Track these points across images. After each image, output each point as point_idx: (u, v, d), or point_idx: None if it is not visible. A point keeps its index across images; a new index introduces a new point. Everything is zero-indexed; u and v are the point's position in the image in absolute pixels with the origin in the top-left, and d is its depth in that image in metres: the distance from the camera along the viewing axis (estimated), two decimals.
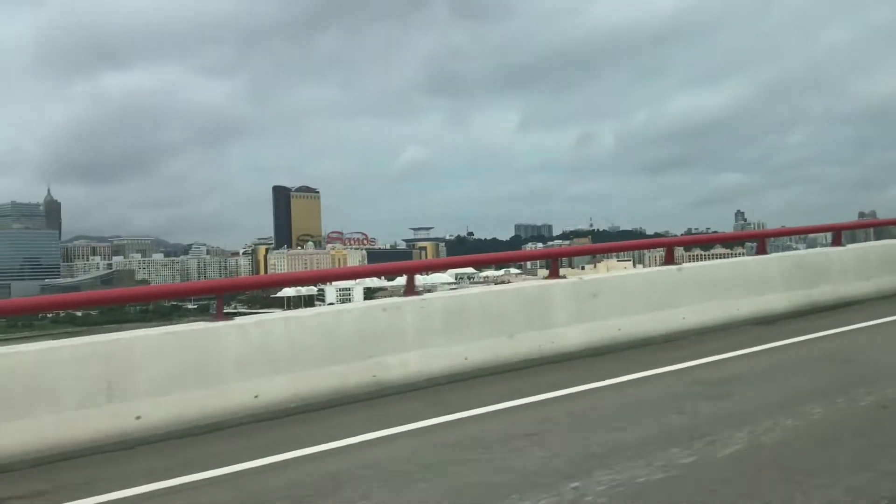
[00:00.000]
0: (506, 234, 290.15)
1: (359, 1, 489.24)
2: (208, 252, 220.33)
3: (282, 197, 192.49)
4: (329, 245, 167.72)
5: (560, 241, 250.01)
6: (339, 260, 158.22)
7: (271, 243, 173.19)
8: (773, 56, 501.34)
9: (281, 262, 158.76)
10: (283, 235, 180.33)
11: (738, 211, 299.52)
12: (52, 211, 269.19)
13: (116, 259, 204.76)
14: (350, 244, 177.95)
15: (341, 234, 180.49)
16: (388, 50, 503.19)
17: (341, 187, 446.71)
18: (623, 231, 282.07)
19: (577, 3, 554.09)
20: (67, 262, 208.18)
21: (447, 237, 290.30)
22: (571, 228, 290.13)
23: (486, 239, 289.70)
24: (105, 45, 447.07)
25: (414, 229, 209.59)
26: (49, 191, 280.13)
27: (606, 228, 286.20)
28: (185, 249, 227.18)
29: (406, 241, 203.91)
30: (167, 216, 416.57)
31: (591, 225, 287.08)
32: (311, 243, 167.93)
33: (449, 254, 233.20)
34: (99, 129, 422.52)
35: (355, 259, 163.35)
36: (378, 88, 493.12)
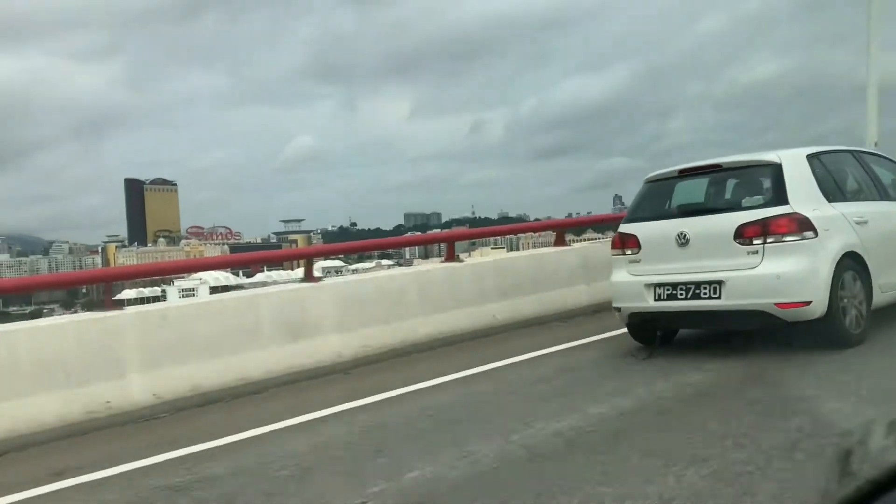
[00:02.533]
0: (393, 224, 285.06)
1: None
2: (70, 250, 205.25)
3: (135, 190, 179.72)
4: (184, 241, 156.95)
5: (440, 230, 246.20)
6: (194, 256, 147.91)
7: (122, 240, 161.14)
8: (654, 44, 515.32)
9: (131, 261, 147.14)
10: (137, 231, 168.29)
11: (616, 195, 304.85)
12: None
13: None
14: (212, 238, 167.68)
15: (202, 228, 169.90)
16: (272, 35, 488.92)
17: (225, 179, 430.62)
18: (506, 217, 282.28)
19: None
20: None
21: (329, 228, 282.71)
22: (457, 216, 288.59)
23: (369, 229, 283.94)
24: None
25: (284, 221, 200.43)
26: None
27: (494, 216, 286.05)
28: (45, 248, 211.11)
29: (276, 234, 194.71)
30: (39, 213, 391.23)
31: (473, 213, 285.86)
32: (162, 239, 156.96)
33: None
34: None
35: (213, 254, 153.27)
36: (264, 76, 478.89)
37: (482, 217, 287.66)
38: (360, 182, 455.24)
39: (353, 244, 14.24)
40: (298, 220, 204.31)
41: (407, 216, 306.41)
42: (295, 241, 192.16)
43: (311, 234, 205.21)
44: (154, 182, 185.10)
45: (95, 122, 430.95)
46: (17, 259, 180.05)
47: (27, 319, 7.22)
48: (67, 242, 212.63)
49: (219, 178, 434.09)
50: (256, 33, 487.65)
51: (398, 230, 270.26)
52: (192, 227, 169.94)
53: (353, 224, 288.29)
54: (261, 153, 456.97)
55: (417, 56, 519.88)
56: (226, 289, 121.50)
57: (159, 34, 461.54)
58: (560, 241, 11.11)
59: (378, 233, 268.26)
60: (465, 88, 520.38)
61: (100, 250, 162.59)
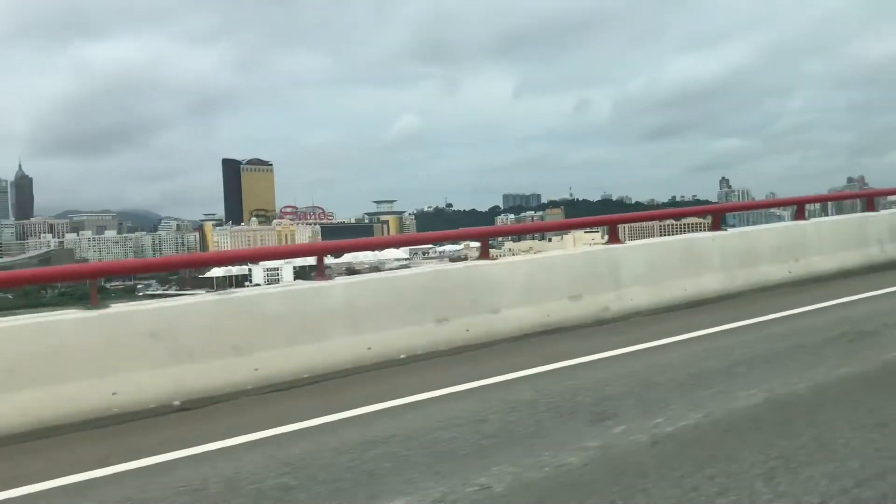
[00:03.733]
0: (489, 205, 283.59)
1: None
2: (178, 227, 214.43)
3: (231, 171, 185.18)
4: (276, 221, 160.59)
5: (534, 212, 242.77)
6: (286, 236, 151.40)
7: (219, 219, 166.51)
8: (773, 19, 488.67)
9: (224, 240, 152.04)
10: (234, 210, 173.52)
11: (723, 178, 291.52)
12: (23, 187, 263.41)
13: (69, 237, 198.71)
14: (305, 219, 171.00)
15: (295, 208, 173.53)
16: (377, 16, 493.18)
17: (328, 159, 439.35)
18: (606, 200, 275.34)
19: None
20: (21, 240, 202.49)
21: (425, 208, 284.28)
22: (556, 198, 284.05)
23: (465, 210, 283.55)
24: (84, 14, 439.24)
25: (376, 202, 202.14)
26: (20, 166, 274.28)
27: (597, 198, 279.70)
28: (154, 225, 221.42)
29: (368, 214, 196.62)
30: (157, 190, 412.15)
31: (571, 195, 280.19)
32: (255, 219, 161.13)
33: (420, 227, 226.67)
34: (86, 101, 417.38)
35: (304, 235, 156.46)
36: (369, 56, 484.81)
37: (580, 199, 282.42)
38: (462, 162, 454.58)
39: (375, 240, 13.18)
40: (390, 201, 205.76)
41: (505, 197, 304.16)
42: (386, 222, 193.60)
43: (403, 214, 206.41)
44: (251, 162, 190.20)
45: (207, 102, 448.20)
46: (124, 236, 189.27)
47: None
48: (176, 220, 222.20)
49: (322, 158, 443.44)
50: (361, 14, 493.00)
51: (493, 211, 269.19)
52: (286, 207, 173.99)
53: (449, 205, 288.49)
54: (364, 133, 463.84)
55: (522, 34, 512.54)
56: (309, 268, 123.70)
57: (267, 16, 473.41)
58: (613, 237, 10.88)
59: (473, 214, 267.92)
60: (571, 67, 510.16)
61: (199, 228, 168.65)
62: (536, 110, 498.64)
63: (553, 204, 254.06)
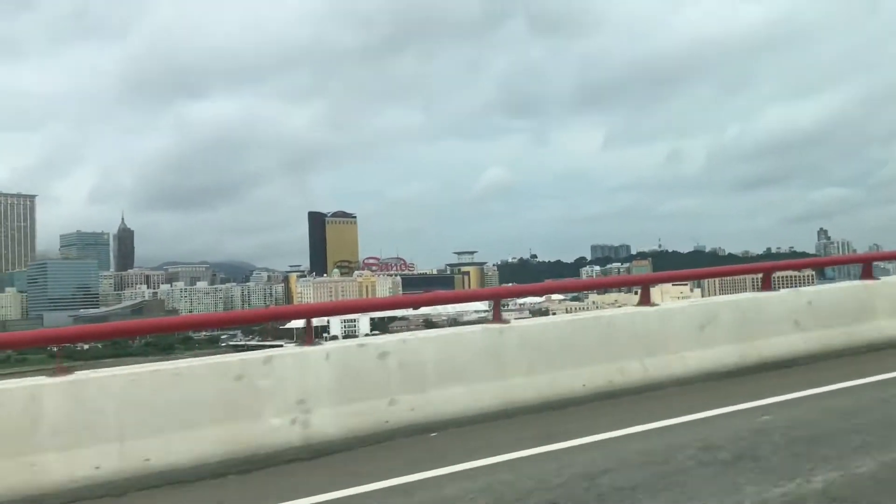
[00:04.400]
0: (575, 256, 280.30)
1: (434, 23, 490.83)
2: (269, 278, 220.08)
3: (317, 223, 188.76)
4: (357, 273, 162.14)
5: (620, 263, 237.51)
6: (366, 287, 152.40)
7: (303, 270, 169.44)
8: (875, 65, 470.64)
9: (308, 291, 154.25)
10: (319, 262, 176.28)
11: (821, 229, 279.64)
12: (125, 239, 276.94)
13: (163, 288, 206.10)
14: (386, 269, 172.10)
15: (377, 259, 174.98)
16: (465, 71, 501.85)
17: (418, 210, 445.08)
18: (697, 252, 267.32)
19: (659, 15, 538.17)
20: (119, 290, 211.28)
21: (510, 260, 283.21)
22: (646, 249, 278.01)
23: (549, 262, 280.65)
24: (186, 76, 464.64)
25: (457, 253, 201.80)
26: (123, 219, 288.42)
27: (688, 249, 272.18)
28: (247, 276, 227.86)
29: (450, 265, 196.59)
30: (254, 242, 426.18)
31: (660, 246, 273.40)
32: (336, 270, 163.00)
33: (503, 278, 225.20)
34: (187, 158, 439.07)
35: (385, 286, 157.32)
36: (458, 110, 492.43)
37: (670, 250, 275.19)
38: (550, 214, 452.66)
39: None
40: (471, 253, 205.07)
41: (594, 248, 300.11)
42: (467, 273, 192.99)
43: (485, 266, 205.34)
44: (335, 214, 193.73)
45: (300, 158, 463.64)
46: (215, 287, 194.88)
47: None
48: (268, 271, 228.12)
49: (410, 210, 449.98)
50: (452, 70, 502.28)
51: (579, 263, 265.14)
52: (368, 258, 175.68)
53: (534, 256, 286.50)
54: (453, 186, 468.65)
55: (611, 84, 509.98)
56: (398, 319, 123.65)
57: (358, 73, 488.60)
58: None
59: (558, 265, 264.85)
60: (662, 116, 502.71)
61: (284, 279, 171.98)
62: (627, 160, 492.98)
63: (641, 255, 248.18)
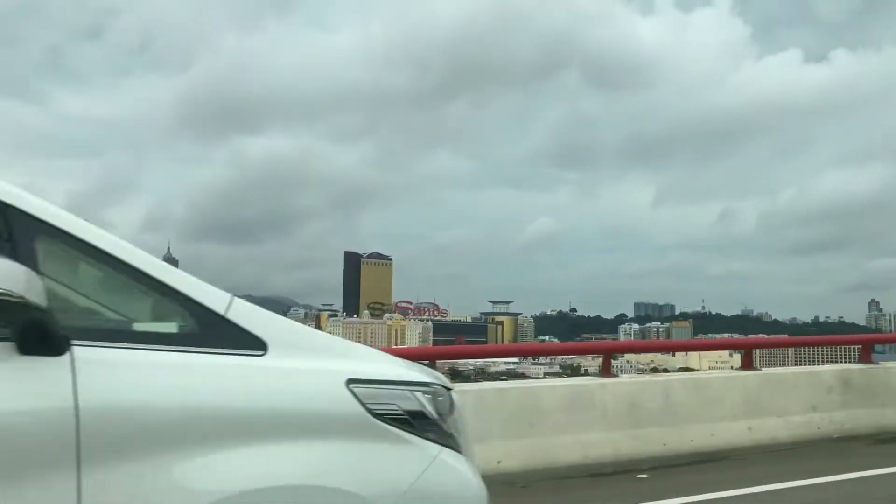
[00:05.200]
0: (616, 313, 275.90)
1: (488, 71, 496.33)
2: (305, 315, 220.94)
3: (352, 263, 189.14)
4: (387, 316, 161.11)
5: (660, 323, 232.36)
6: (396, 331, 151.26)
7: (335, 310, 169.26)
8: None
9: (337, 331, 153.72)
10: (351, 302, 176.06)
11: (873, 300, 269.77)
12: None
13: None
14: (419, 314, 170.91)
15: (410, 303, 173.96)
16: (517, 119, 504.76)
17: (462, 256, 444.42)
18: (743, 316, 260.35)
19: (718, 72, 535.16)
20: None
21: (548, 312, 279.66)
22: (690, 310, 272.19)
23: (589, 316, 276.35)
24: (243, 111, 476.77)
25: (493, 302, 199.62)
26: (168, 248, 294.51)
27: (733, 313, 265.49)
28: (284, 312, 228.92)
29: (484, 314, 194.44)
30: (298, 278, 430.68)
31: (703, 307, 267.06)
32: (367, 312, 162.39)
33: (539, 330, 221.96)
34: (238, 191, 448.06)
35: (415, 331, 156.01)
36: (506, 158, 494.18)
37: (713, 312, 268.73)
38: (595, 267, 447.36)
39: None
40: (507, 302, 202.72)
41: (637, 305, 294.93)
42: (501, 323, 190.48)
43: (520, 316, 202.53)
44: (371, 256, 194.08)
45: (348, 197, 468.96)
46: None
47: None
48: (306, 308, 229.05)
49: (453, 256, 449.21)
50: (502, 117, 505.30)
51: (619, 319, 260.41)
52: (401, 302, 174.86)
53: (573, 310, 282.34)
54: (498, 233, 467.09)
55: (664, 140, 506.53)
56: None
57: (410, 117, 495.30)
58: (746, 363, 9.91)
59: (598, 321, 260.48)
60: (715, 175, 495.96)
61: (315, 318, 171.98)
62: (677, 218, 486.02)
63: (683, 316, 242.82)
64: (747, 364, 9.23)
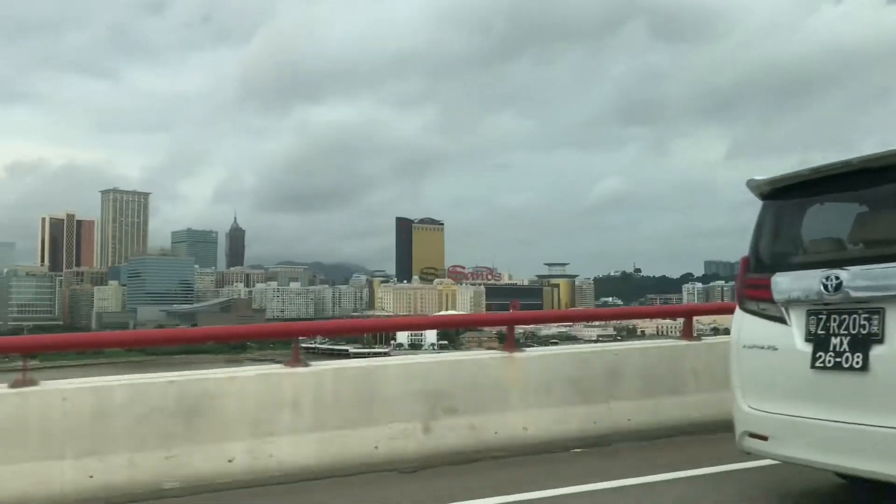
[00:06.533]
0: (682, 272, 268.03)
1: (551, 27, 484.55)
2: (366, 281, 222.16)
3: (404, 229, 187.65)
4: (437, 280, 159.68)
5: (724, 282, 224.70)
6: (447, 296, 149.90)
7: (387, 276, 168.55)
8: None
9: (388, 297, 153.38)
10: (405, 268, 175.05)
11: None
12: (236, 238, 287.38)
13: (258, 287, 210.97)
14: (470, 278, 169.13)
15: (464, 268, 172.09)
16: (582, 77, 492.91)
17: (527, 220, 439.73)
18: None
19: (792, 19, 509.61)
20: (219, 287, 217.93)
21: (612, 273, 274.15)
22: None
23: (654, 276, 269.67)
24: (306, 81, 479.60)
25: (548, 265, 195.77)
26: (235, 219, 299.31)
27: None
28: (347, 278, 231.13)
29: (540, 276, 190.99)
30: (367, 246, 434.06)
31: None
32: (416, 277, 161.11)
33: (599, 292, 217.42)
34: (305, 160, 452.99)
35: (466, 295, 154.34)
36: (573, 117, 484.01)
37: None
38: (665, 227, 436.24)
39: None
40: (563, 264, 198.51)
41: (707, 264, 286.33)
42: (557, 286, 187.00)
43: (577, 278, 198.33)
44: (423, 221, 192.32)
45: (413, 163, 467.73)
46: (305, 288, 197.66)
47: None
48: (369, 274, 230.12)
49: (519, 220, 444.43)
50: (569, 76, 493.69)
51: (685, 278, 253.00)
52: (453, 266, 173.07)
53: (637, 270, 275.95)
54: (565, 195, 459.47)
55: (736, 93, 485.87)
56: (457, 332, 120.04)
57: (472, 78, 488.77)
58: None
59: (663, 280, 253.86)
60: (791, 127, 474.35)
61: (368, 284, 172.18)
62: (752, 173, 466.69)
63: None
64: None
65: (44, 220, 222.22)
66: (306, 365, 6.38)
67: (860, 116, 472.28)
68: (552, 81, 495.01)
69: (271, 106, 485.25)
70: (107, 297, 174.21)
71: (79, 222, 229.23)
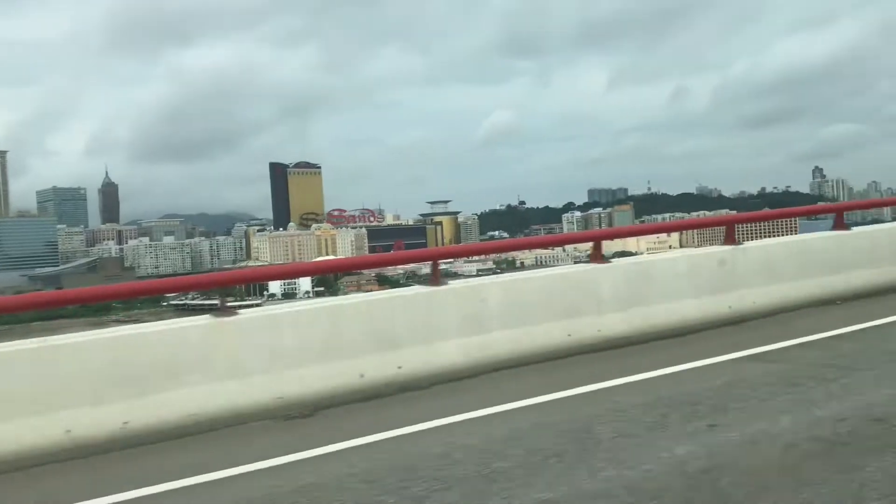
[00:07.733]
0: (565, 201, 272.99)
1: None
2: (246, 233, 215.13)
3: (279, 175, 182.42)
4: (315, 226, 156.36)
5: (602, 209, 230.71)
6: (325, 241, 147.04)
7: (263, 224, 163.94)
8: None
9: (264, 245, 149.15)
10: (282, 215, 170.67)
11: (817, 167, 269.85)
12: (109, 194, 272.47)
13: (132, 244, 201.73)
14: (352, 222, 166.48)
15: (344, 211, 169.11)
16: (463, 11, 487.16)
17: (417, 158, 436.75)
18: (686, 195, 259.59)
19: None
20: (90, 246, 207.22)
21: (498, 206, 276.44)
22: (637, 193, 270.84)
23: (538, 207, 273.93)
24: (174, 22, 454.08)
25: (430, 203, 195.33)
26: (107, 173, 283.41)
27: (678, 192, 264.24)
28: (228, 229, 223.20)
29: (423, 215, 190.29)
30: (256, 193, 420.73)
31: (649, 189, 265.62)
32: (292, 224, 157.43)
33: (484, 227, 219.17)
34: (181, 108, 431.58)
35: (346, 239, 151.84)
36: (458, 52, 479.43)
37: (660, 193, 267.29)
38: (553, 158, 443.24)
39: None
40: (445, 202, 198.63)
41: (590, 192, 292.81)
42: (440, 224, 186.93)
43: (459, 214, 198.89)
44: (298, 165, 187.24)
45: (297, 105, 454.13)
46: (181, 242, 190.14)
47: None
48: (254, 223, 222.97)
49: (408, 158, 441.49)
50: (449, 10, 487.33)
51: (567, 207, 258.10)
52: (333, 210, 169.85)
53: (522, 203, 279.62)
54: (453, 131, 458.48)
55: (615, 22, 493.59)
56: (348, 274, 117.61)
57: (353, 15, 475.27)
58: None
59: (546, 211, 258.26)
60: (667, 54, 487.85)
61: (244, 234, 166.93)
62: (632, 101, 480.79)
63: (624, 200, 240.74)
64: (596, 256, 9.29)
65: None
66: None
67: (732, 39, 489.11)
68: (434, 14, 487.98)
69: (141, 51, 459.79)
70: None
71: None
